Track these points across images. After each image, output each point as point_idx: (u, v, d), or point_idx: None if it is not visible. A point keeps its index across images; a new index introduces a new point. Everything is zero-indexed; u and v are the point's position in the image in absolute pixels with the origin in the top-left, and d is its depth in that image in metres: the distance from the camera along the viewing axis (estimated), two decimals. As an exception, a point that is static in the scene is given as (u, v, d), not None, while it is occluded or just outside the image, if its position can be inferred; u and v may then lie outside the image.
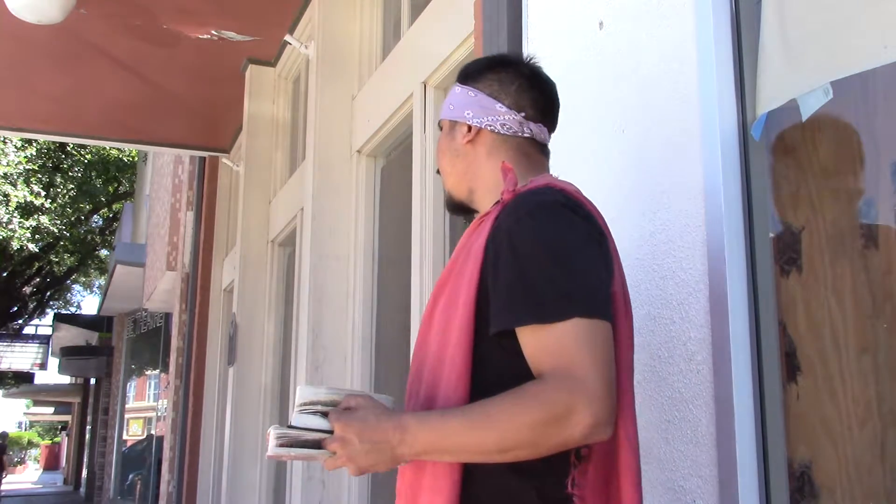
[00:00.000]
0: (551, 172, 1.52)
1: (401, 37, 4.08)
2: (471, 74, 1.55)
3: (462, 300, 1.31)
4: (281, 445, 1.28)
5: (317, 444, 1.28)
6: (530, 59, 1.57)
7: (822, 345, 1.45)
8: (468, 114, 1.51)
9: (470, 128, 1.51)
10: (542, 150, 1.53)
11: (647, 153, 1.82)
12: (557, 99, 1.56)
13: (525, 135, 1.49)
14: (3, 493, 21.26)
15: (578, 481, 1.24)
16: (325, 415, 1.29)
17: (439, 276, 1.45)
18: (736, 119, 1.62)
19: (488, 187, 1.49)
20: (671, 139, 1.76)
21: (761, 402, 1.51)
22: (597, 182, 1.98)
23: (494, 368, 1.27)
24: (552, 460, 1.22)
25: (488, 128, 1.49)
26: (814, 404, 1.46)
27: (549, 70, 1.56)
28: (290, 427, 1.29)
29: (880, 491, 1.34)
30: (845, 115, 1.46)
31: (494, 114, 1.49)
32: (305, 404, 1.30)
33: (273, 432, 1.28)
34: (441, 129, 1.60)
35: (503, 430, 1.17)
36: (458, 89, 1.55)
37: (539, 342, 1.21)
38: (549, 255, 1.23)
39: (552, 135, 1.57)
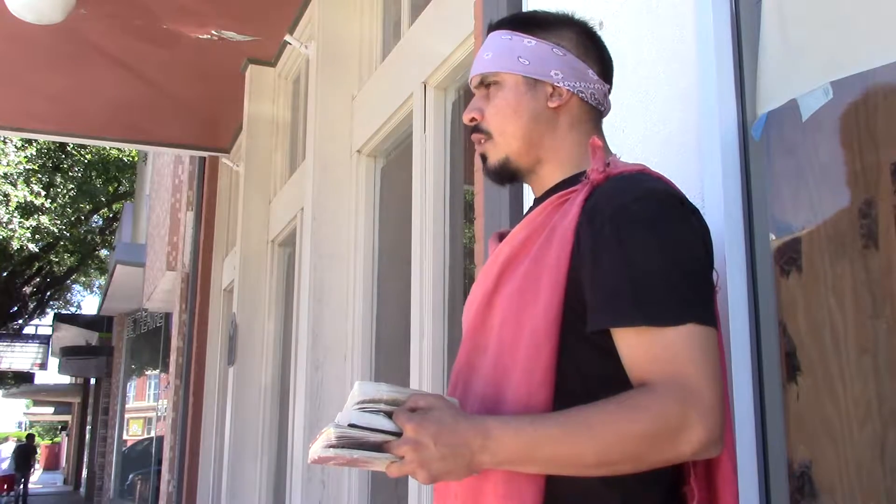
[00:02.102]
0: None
1: (401, 37, 4.08)
2: (544, 25, 1.35)
3: (546, 288, 1.16)
4: (338, 447, 1.09)
5: (377, 448, 1.10)
6: (600, 26, 1.43)
7: (822, 345, 1.45)
8: (556, 74, 1.31)
9: (555, 89, 1.32)
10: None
11: (647, 153, 1.82)
12: None
13: (602, 108, 1.36)
14: (7, 494, 21.55)
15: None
16: (387, 415, 1.12)
17: (498, 254, 1.29)
18: (736, 119, 1.62)
19: (562, 161, 1.33)
20: (671, 139, 1.76)
21: (761, 402, 1.51)
22: (597, 182, 1.98)
23: (578, 367, 1.16)
24: (651, 474, 1.12)
25: (580, 94, 1.32)
26: (814, 404, 1.46)
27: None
28: (352, 426, 1.10)
29: (880, 491, 1.34)
30: (845, 115, 1.46)
31: (587, 80, 1.32)
32: (365, 402, 1.11)
33: (333, 431, 1.09)
34: (485, 84, 1.37)
35: (606, 442, 1.06)
36: (531, 42, 1.33)
37: (646, 346, 1.09)
38: (661, 251, 1.11)
39: None
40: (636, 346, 1.11)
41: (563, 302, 1.16)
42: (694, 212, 1.21)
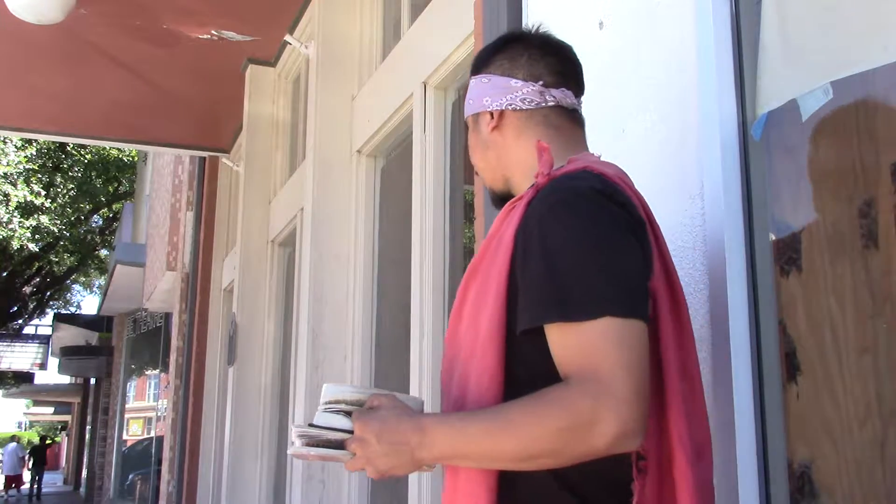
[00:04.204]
0: (590, 150, 1.43)
1: (401, 37, 4.08)
2: (481, 63, 1.48)
3: (492, 293, 1.23)
4: (299, 444, 1.24)
5: (339, 445, 1.24)
6: (537, 28, 1.48)
7: (822, 345, 1.45)
8: (487, 101, 1.43)
9: (492, 114, 1.43)
10: (573, 117, 1.44)
11: (647, 153, 1.82)
12: (576, 60, 1.47)
13: (549, 103, 1.40)
14: (8, 495, 21.79)
15: (640, 499, 1.16)
16: (349, 414, 1.24)
17: (469, 264, 1.35)
18: (736, 119, 1.62)
19: (524, 171, 1.40)
20: (671, 139, 1.76)
21: (761, 402, 1.51)
22: (597, 182, 1.97)
23: (526, 367, 1.20)
24: (602, 466, 1.14)
25: (509, 107, 1.41)
26: (814, 404, 1.46)
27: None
28: (312, 426, 1.25)
29: (880, 491, 1.34)
30: (845, 115, 1.46)
31: (510, 91, 1.41)
32: (330, 403, 1.26)
33: (294, 430, 1.25)
34: (468, 128, 1.52)
35: (523, 437, 1.10)
36: (473, 81, 1.48)
37: (565, 342, 1.13)
38: (580, 248, 1.14)
39: (581, 99, 1.47)
40: (557, 341, 1.14)
41: (506, 306, 1.20)
42: (624, 205, 1.22)
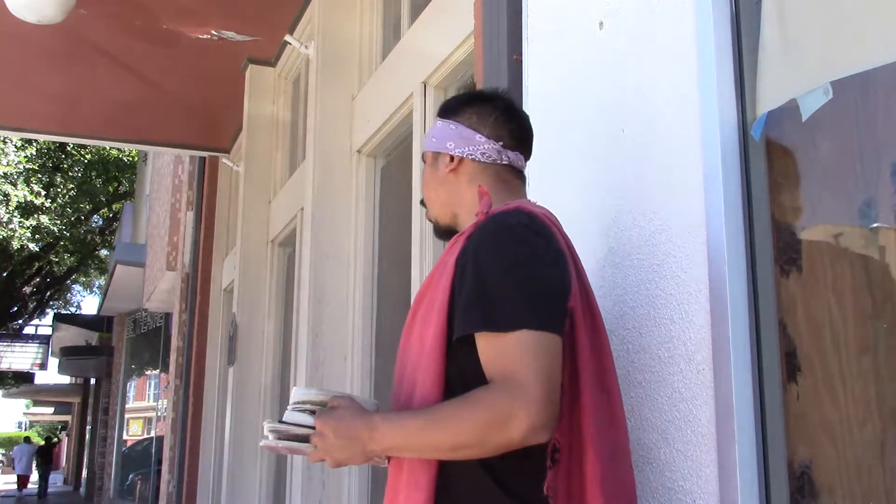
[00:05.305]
0: (529, 197, 1.63)
1: (401, 37, 4.08)
2: (451, 109, 1.67)
3: (436, 310, 1.41)
4: (268, 437, 1.44)
5: (305, 439, 1.43)
6: (504, 93, 1.71)
7: (822, 345, 1.45)
8: (450, 145, 1.62)
9: (452, 158, 1.63)
10: (519, 176, 1.65)
11: (647, 153, 1.82)
12: (531, 129, 1.69)
13: (503, 162, 1.61)
14: (7, 493, 21.91)
15: (551, 484, 1.32)
16: (314, 413, 1.44)
17: (420, 287, 1.54)
18: (736, 119, 1.62)
19: (470, 211, 1.59)
20: (671, 139, 1.76)
21: (761, 402, 1.51)
22: (596, 182, 1.98)
23: (463, 373, 1.37)
24: (524, 462, 1.31)
25: (469, 157, 1.61)
26: (814, 404, 1.46)
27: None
28: (282, 422, 1.44)
29: (880, 491, 1.34)
30: (845, 115, 1.46)
31: (475, 144, 1.61)
32: (297, 403, 1.46)
33: (265, 425, 1.45)
34: (424, 161, 1.71)
35: (453, 431, 1.29)
36: (440, 123, 1.67)
37: (490, 350, 1.32)
38: (505, 271, 1.34)
39: (528, 162, 1.68)
40: (483, 349, 1.34)
41: (447, 321, 1.39)
42: (547, 238, 1.42)
